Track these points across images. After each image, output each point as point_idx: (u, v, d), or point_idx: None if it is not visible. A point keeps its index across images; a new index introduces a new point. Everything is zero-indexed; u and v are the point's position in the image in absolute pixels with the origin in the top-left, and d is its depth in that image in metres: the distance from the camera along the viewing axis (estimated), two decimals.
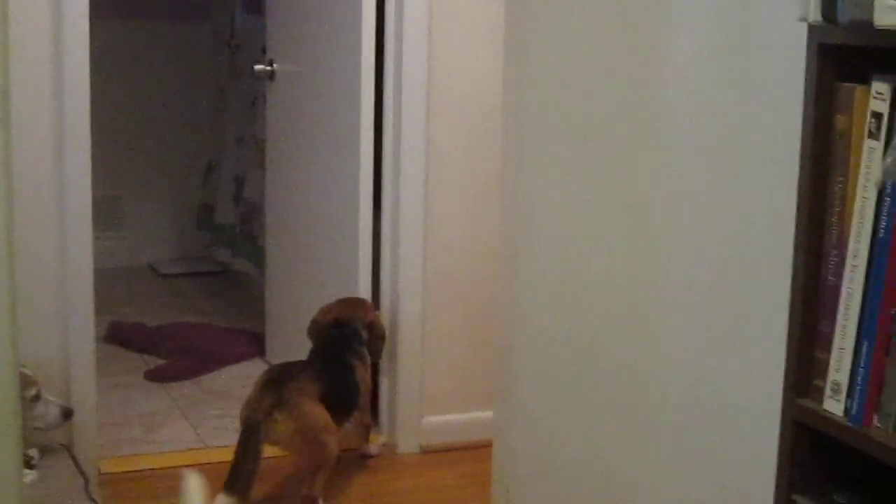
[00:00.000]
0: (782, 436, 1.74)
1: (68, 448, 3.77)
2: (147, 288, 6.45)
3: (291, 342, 4.74)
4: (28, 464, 3.56)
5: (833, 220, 1.66)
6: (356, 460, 4.24)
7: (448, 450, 4.31)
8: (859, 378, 1.61)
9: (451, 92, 4.22)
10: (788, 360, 1.71)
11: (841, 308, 1.63)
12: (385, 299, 4.38)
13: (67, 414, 3.67)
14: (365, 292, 4.37)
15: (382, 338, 4.22)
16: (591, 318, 2.50)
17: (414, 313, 4.34)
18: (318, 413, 3.68)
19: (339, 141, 4.42)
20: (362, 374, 4.03)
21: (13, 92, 3.64)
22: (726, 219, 2.11)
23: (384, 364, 4.41)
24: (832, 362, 1.66)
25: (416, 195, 4.27)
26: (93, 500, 3.40)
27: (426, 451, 4.37)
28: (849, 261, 1.62)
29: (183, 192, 6.83)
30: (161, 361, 5.13)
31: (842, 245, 1.64)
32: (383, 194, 4.34)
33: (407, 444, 4.38)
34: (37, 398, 3.61)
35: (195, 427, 4.43)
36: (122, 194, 6.74)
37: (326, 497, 3.80)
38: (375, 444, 4.32)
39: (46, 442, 3.73)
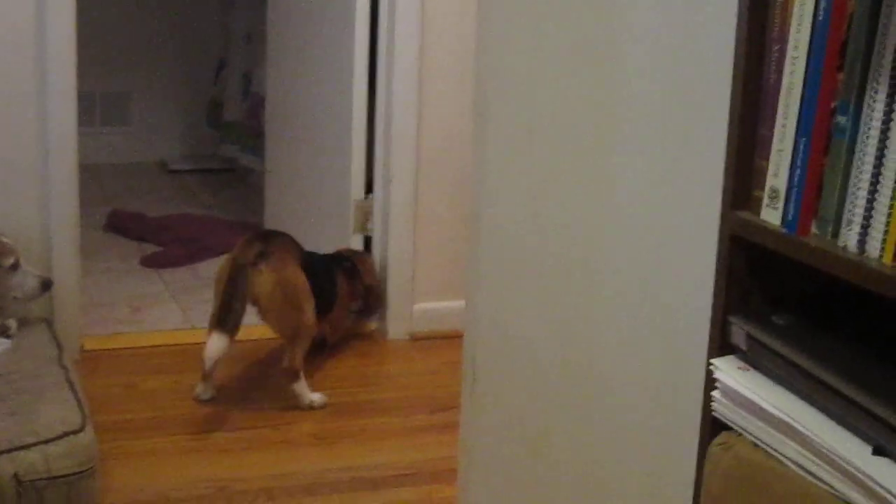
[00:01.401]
0: (719, 252, 1.59)
1: (47, 321, 3.67)
2: (154, 183, 6.35)
3: (291, 233, 4.64)
4: (5, 333, 3.47)
5: (776, 12, 1.50)
6: (347, 345, 4.14)
7: (438, 337, 4.19)
8: (795, 180, 1.46)
9: None
10: (727, 169, 1.56)
11: (780, 106, 1.48)
12: (377, 185, 4.26)
13: (46, 285, 3.57)
14: (358, 177, 4.25)
15: (378, 297, 4.23)
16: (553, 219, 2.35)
17: (406, 200, 4.21)
18: (299, 274, 3.62)
19: (334, 28, 4.30)
20: (342, 292, 3.94)
21: None
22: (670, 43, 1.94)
23: (376, 253, 4.29)
24: (770, 167, 1.50)
25: (409, 79, 4.13)
26: (63, 366, 3.29)
27: (416, 338, 4.26)
28: (789, 52, 1.46)
29: (193, 88, 6.71)
30: (158, 249, 5.03)
31: (783, 39, 1.48)
32: (377, 80, 4.21)
33: (397, 330, 4.28)
34: (15, 267, 3.51)
35: (184, 310, 4.33)
36: (132, 90, 6.64)
37: (315, 381, 3.71)
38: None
39: (26, 314, 3.63)
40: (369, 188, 4.29)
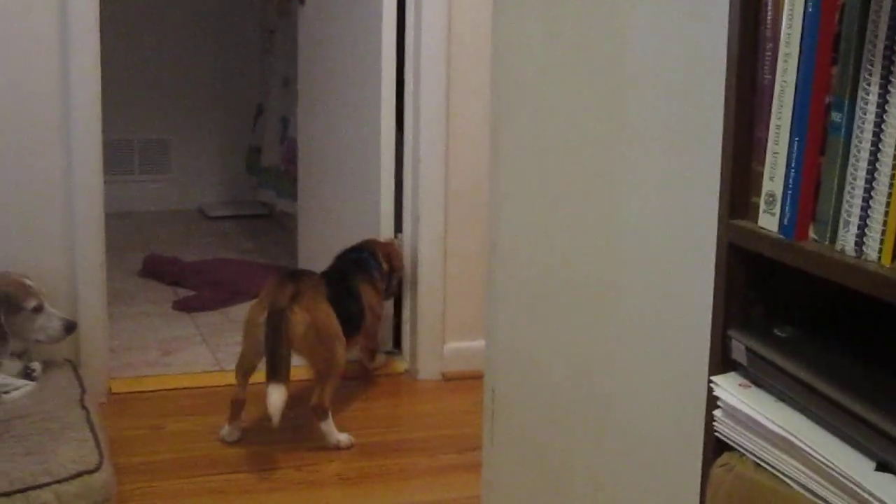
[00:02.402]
0: (717, 263, 1.51)
1: (72, 363, 3.63)
2: (192, 229, 6.34)
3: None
4: (30, 375, 3.44)
5: (768, 9, 1.42)
6: (377, 385, 4.07)
7: (470, 377, 4.10)
8: (791, 183, 1.38)
9: (472, 24, 4.02)
10: (723, 175, 1.49)
11: (775, 106, 1.40)
12: (406, 224, 4.19)
13: (70, 327, 3.53)
14: (387, 217, 4.21)
15: (401, 271, 4.13)
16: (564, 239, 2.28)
17: (435, 238, 4.15)
18: (330, 314, 3.58)
19: (362, 71, 4.28)
20: (370, 301, 3.87)
21: (15, 25, 3.59)
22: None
23: (406, 291, 4.23)
24: (766, 171, 1.42)
25: (436, 119, 4.08)
26: (84, 407, 3.25)
27: (447, 378, 4.17)
28: (781, 49, 1.39)
29: (231, 134, 6.71)
30: (192, 293, 4.99)
31: (776, 37, 1.41)
32: (405, 120, 4.16)
33: (428, 370, 4.20)
34: (38, 310, 3.48)
35: (214, 352, 4.28)
36: (170, 137, 6.64)
37: (344, 421, 3.64)
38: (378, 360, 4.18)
39: (52, 357, 3.60)
40: (399, 227, 4.23)
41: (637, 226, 1.97)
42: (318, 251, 4.78)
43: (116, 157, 6.55)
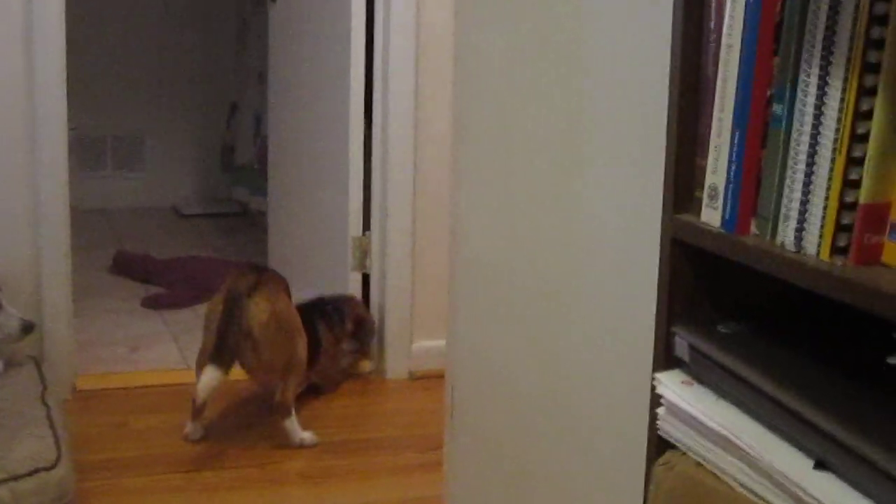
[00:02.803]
0: (661, 258, 1.48)
1: (36, 360, 3.58)
2: (165, 227, 6.29)
3: (292, 273, 4.56)
4: None
5: (713, 1, 1.39)
6: (344, 384, 4.04)
7: (438, 376, 4.05)
8: (732, 176, 1.35)
9: (441, 20, 3.99)
10: (667, 170, 1.46)
11: (717, 97, 1.37)
12: (375, 221, 4.16)
13: (27, 328, 3.47)
14: (356, 214, 4.17)
15: (372, 331, 4.12)
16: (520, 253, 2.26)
17: (403, 235, 4.12)
18: (291, 307, 3.56)
19: (331, 67, 4.25)
20: (325, 332, 3.84)
21: None
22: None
23: (374, 290, 4.20)
24: (709, 164, 1.40)
25: (405, 116, 4.05)
26: (45, 404, 3.20)
27: (415, 377, 4.14)
28: (724, 39, 1.36)
29: (206, 131, 6.66)
30: (162, 290, 4.95)
31: (720, 29, 1.38)
32: (373, 116, 4.13)
33: (396, 369, 4.17)
34: None
35: (182, 350, 4.24)
36: (144, 134, 6.59)
37: (308, 419, 3.60)
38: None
39: (14, 354, 3.55)
40: (367, 225, 4.19)
41: (590, 223, 1.94)
42: (288, 249, 4.75)
43: (89, 153, 6.51)
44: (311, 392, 3.89)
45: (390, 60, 4.00)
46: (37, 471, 2.80)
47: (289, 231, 4.79)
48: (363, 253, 4.20)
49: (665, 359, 1.50)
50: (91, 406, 3.76)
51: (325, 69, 4.33)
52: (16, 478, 2.76)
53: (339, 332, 3.96)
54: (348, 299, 4.08)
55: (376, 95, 4.10)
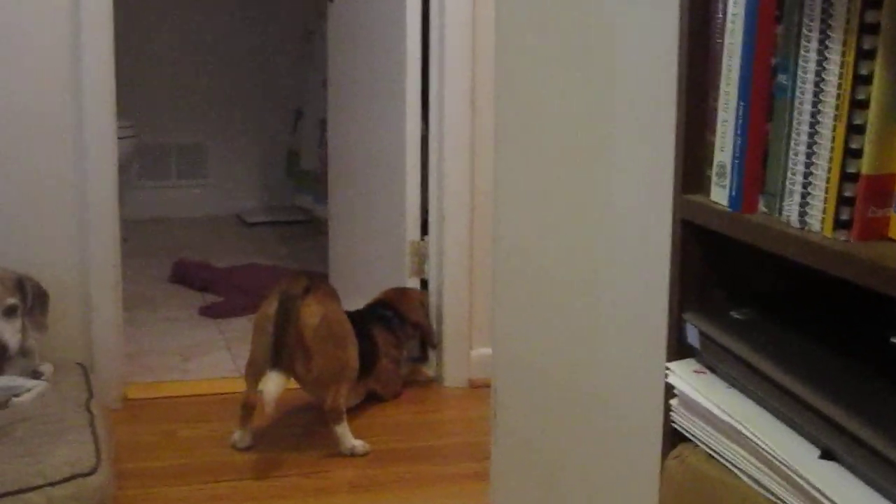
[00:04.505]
0: (672, 241, 1.45)
1: (83, 366, 3.62)
2: (229, 235, 6.34)
3: (352, 280, 4.58)
4: (38, 378, 3.42)
5: None
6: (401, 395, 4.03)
7: None
8: (738, 152, 1.32)
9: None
10: (677, 149, 1.43)
11: (723, 70, 1.34)
12: (432, 225, 4.14)
13: (36, 375, 3.44)
14: (413, 219, 4.16)
15: (431, 336, 4.12)
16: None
17: (461, 239, 4.09)
18: (343, 312, 3.57)
19: (387, 70, 4.26)
20: (382, 339, 3.84)
21: (27, 27, 3.60)
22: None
23: (433, 296, 4.18)
24: (717, 141, 1.36)
25: (462, 118, 4.03)
26: (89, 411, 3.23)
27: (475, 385, 4.11)
28: (729, 9, 1.32)
29: (270, 139, 6.71)
30: (220, 299, 4.98)
31: None
32: (430, 119, 4.12)
33: (454, 377, 4.14)
34: (11, 312, 3.36)
35: (235, 358, 4.25)
36: (208, 142, 6.65)
37: (361, 428, 3.59)
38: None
39: (62, 359, 3.59)
40: (425, 230, 4.18)
41: (614, 210, 1.91)
42: (348, 256, 4.76)
43: (153, 162, 6.58)
44: (371, 401, 3.87)
45: (446, 60, 3.99)
46: (74, 477, 2.82)
47: (349, 238, 4.80)
48: (421, 258, 4.19)
49: (678, 347, 1.46)
50: (139, 415, 3.78)
51: (382, 70, 4.34)
52: (52, 483, 2.79)
53: (399, 337, 3.96)
54: (409, 298, 4.07)
55: (432, 96, 4.09)
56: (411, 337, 4.01)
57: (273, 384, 3.25)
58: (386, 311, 3.95)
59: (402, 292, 4.08)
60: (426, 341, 4.13)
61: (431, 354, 4.19)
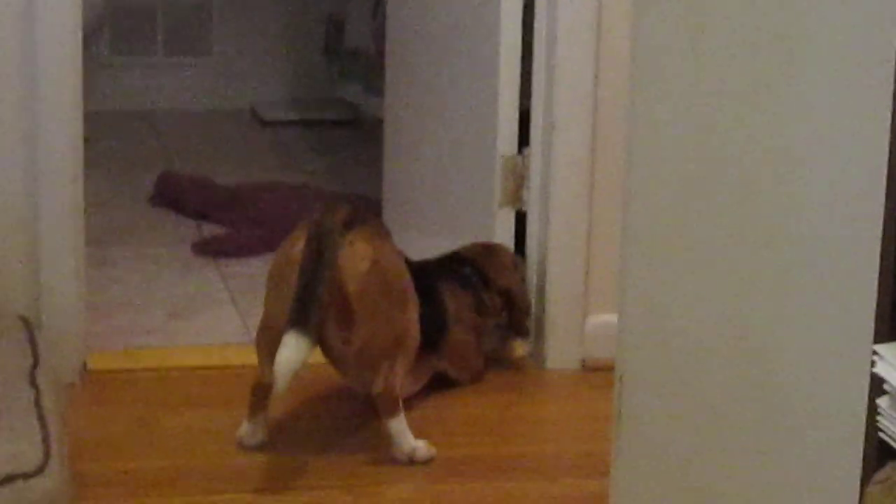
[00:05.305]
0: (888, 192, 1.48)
1: (27, 321, 3.68)
2: (237, 139, 6.40)
3: (415, 212, 4.62)
4: None
5: None
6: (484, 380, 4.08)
7: None
8: None
9: None
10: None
11: None
12: (535, 135, 4.16)
13: None
14: (508, 123, 4.19)
15: (526, 303, 4.15)
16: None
17: (577, 158, 4.10)
18: (401, 259, 3.62)
19: None
20: (455, 304, 3.90)
21: None
22: None
23: (532, 238, 4.21)
24: None
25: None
26: (34, 385, 3.30)
27: (588, 368, 4.15)
28: None
29: (301, 2, 6.73)
30: (223, 231, 5.05)
31: None
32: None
33: (560, 355, 4.18)
34: None
35: (244, 316, 4.31)
36: (211, 4, 6.68)
37: (424, 424, 3.64)
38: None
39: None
40: (525, 140, 4.21)
41: (804, 159, 1.96)
42: (410, 174, 4.79)
43: (130, 32, 6.64)
44: (439, 385, 3.93)
45: None
46: (12, 478, 2.89)
47: (412, 149, 4.82)
48: (518, 180, 4.22)
49: (892, 324, 1.50)
50: (106, 394, 3.86)
51: None
52: None
53: (480, 302, 3.99)
54: (496, 255, 4.11)
55: None
56: (496, 307, 4.03)
57: (290, 350, 3.26)
58: (463, 267, 3.99)
59: (490, 249, 4.10)
60: (514, 322, 4.16)
61: (530, 323, 4.22)
